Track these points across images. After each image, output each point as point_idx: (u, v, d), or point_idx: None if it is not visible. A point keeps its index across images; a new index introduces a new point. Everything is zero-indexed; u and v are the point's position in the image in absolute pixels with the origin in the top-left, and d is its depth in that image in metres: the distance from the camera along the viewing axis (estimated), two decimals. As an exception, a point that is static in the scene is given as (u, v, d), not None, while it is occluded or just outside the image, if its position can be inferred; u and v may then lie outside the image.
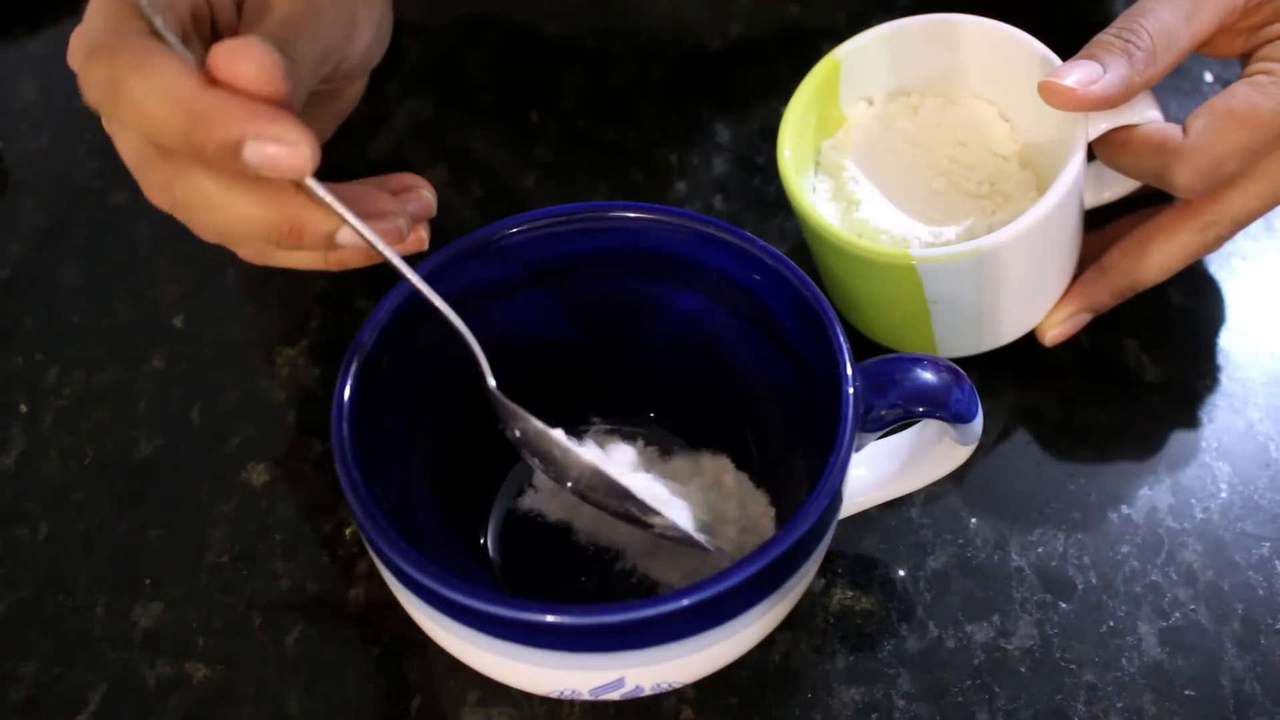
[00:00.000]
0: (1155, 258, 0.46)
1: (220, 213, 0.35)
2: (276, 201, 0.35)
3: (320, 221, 0.35)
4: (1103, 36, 0.44)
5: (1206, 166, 0.42)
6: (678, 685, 0.38)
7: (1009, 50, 0.46)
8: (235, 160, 0.33)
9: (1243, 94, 0.42)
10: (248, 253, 0.39)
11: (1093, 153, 0.46)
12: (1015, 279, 0.44)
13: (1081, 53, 0.44)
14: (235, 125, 0.32)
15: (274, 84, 0.33)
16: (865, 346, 0.49)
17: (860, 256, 0.44)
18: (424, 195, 0.39)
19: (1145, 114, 0.44)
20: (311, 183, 0.34)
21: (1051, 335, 0.48)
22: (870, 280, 0.46)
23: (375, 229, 0.36)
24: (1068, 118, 0.44)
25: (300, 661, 0.43)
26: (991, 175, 0.47)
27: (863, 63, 0.48)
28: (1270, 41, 0.44)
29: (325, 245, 0.36)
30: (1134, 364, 0.49)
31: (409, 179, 0.39)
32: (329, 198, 0.34)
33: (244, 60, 0.32)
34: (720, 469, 0.44)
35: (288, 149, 0.32)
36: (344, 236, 0.36)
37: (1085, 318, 0.48)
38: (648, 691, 0.37)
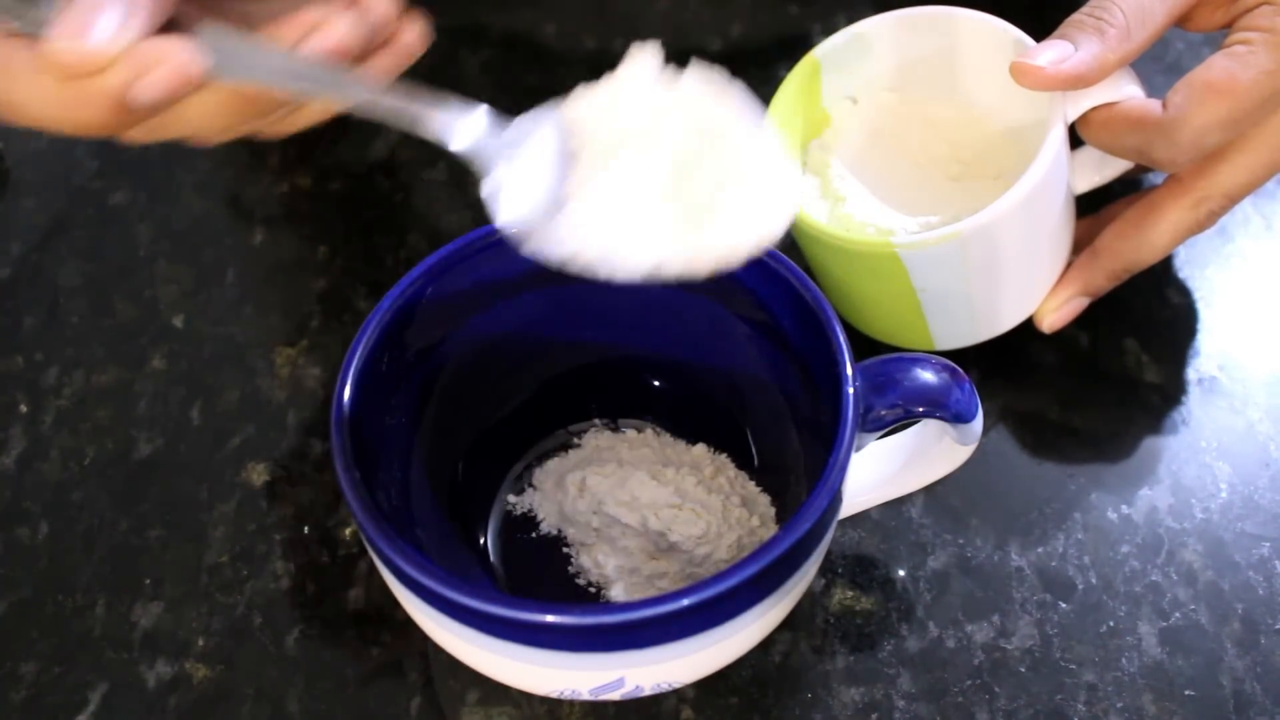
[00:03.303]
0: (1148, 237, 0.46)
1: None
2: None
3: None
4: (1075, 16, 0.44)
5: (1187, 140, 0.42)
6: (678, 685, 0.38)
7: (984, 37, 0.47)
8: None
9: (1220, 65, 0.42)
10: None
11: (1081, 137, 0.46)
12: (1003, 262, 0.44)
13: (1054, 33, 0.44)
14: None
15: None
16: (865, 345, 0.49)
17: (843, 248, 0.44)
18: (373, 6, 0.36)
19: (1124, 90, 0.44)
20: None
21: (1049, 321, 0.47)
22: (857, 273, 0.46)
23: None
24: (1046, 99, 0.44)
25: (300, 661, 0.43)
26: (981, 165, 0.47)
27: (843, 61, 0.48)
28: (1248, 11, 0.44)
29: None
30: (1134, 364, 0.49)
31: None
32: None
33: None
34: (720, 468, 0.44)
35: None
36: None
37: (1082, 302, 0.47)
38: (648, 691, 0.37)
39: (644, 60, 0.36)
